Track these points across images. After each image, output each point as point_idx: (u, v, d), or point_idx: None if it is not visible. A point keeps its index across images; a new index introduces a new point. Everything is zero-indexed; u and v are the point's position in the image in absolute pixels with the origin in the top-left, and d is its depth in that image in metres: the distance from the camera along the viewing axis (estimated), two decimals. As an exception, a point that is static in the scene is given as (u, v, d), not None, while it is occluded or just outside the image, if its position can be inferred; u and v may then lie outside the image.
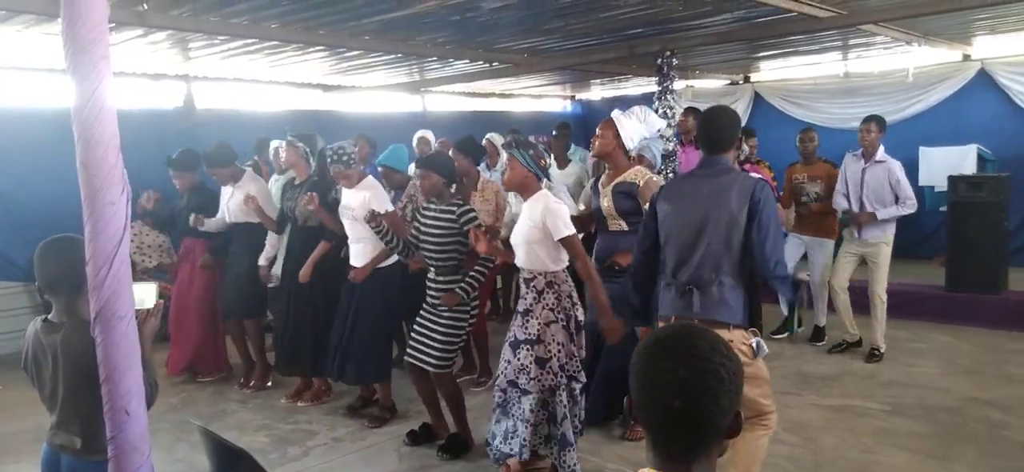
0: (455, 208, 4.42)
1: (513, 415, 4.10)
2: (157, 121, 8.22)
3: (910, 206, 6.12)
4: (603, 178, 4.63)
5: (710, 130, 3.43)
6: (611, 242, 4.54)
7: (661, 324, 3.40)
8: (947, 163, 8.35)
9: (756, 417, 3.36)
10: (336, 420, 5.29)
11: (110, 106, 1.93)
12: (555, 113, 13.41)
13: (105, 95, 1.91)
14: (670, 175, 6.71)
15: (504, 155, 7.07)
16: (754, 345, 3.23)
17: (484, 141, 7.37)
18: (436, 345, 4.43)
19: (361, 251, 5.01)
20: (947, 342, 6.83)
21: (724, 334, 2.96)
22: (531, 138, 4.31)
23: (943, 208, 8.12)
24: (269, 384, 6.02)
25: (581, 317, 4.12)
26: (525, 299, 4.06)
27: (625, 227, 4.49)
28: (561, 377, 3.99)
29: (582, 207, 5.14)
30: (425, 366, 4.49)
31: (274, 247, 5.80)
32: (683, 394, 1.32)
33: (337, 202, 5.19)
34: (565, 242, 3.91)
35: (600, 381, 4.61)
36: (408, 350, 4.60)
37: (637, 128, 4.51)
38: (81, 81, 1.89)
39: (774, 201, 3.40)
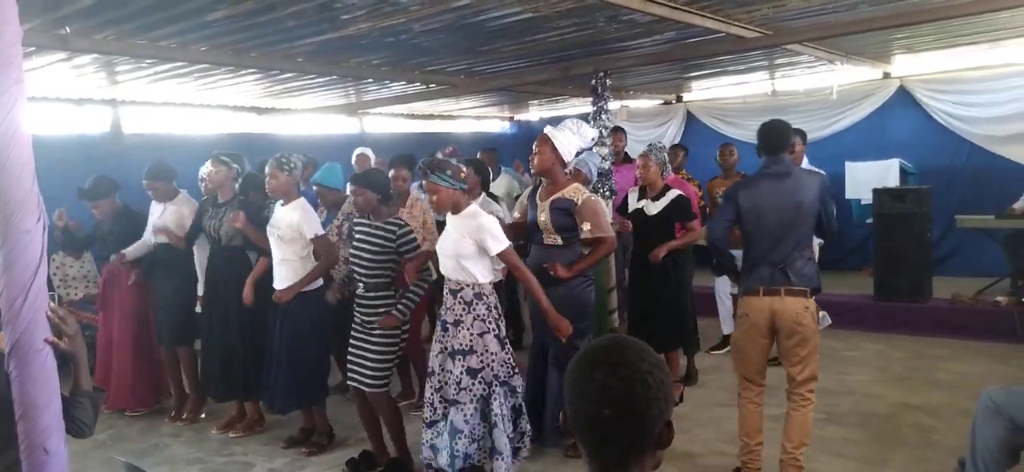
0: (395, 228, 4.37)
1: (442, 428, 4.10)
2: (83, 147, 7.95)
3: None
4: (541, 191, 4.63)
5: (767, 135, 4.17)
6: (544, 255, 4.53)
7: (750, 295, 4.04)
8: (871, 177, 8.66)
9: (805, 383, 4.02)
10: (273, 450, 5.15)
11: (24, 130, 1.86)
12: (495, 133, 13.48)
13: (19, 119, 1.85)
14: (606, 193, 6.76)
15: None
16: (820, 316, 4.00)
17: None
18: (368, 363, 4.38)
19: (285, 272, 4.84)
20: (878, 350, 7.03)
21: (804, 300, 3.93)
22: (439, 154, 4.26)
23: (869, 220, 8.38)
24: (203, 415, 5.82)
25: (503, 329, 4.16)
26: (453, 310, 4.08)
27: (560, 241, 4.50)
28: (496, 386, 4.02)
29: (516, 214, 5.13)
30: (360, 386, 4.43)
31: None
32: (612, 403, 1.32)
33: (266, 220, 5.05)
34: (501, 256, 3.99)
35: (553, 401, 4.58)
36: (348, 373, 4.54)
37: (572, 140, 4.53)
38: (-7, 105, 1.82)
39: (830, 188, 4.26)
